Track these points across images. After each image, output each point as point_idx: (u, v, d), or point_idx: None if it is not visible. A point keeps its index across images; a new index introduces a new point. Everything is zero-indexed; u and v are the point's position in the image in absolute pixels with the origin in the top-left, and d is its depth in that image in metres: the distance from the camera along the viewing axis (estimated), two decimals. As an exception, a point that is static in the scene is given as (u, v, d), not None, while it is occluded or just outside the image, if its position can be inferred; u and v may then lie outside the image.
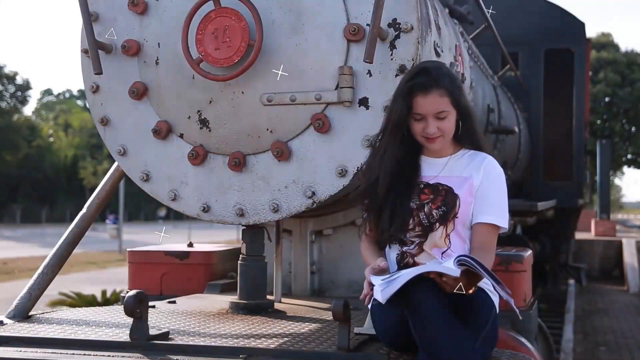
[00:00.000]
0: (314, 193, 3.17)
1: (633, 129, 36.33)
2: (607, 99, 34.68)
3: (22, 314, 3.23)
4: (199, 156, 3.33)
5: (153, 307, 3.32)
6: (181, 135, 3.38)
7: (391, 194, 2.52)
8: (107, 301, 8.33)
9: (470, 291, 2.32)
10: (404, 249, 2.53)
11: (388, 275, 2.33)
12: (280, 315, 3.31)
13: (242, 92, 3.21)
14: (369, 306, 2.63)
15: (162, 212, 49.88)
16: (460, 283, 2.26)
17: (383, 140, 2.58)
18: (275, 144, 3.20)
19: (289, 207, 3.22)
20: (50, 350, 2.64)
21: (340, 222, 3.88)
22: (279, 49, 3.15)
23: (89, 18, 3.30)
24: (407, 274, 2.25)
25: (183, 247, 4.51)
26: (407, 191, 2.53)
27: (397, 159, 2.54)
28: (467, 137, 2.61)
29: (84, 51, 3.46)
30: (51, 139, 56.41)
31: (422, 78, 2.48)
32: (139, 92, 3.38)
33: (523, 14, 9.07)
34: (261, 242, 3.46)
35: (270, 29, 3.13)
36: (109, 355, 2.57)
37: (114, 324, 3.03)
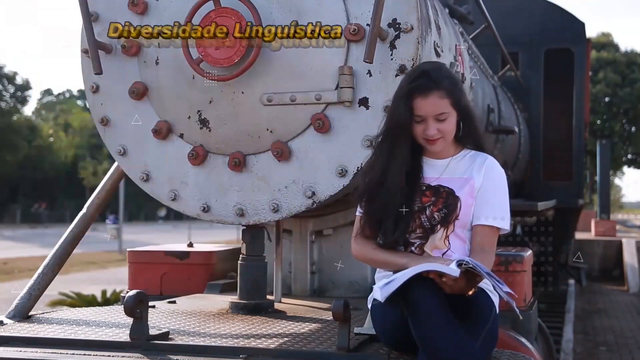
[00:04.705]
0: (314, 193, 3.17)
1: (633, 129, 36.33)
2: (607, 99, 34.67)
3: (22, 314, 3.23)
4: (199, 156, 3.33)
5: (153, 307, 3.32)
6: (181, 135, 3.38)
7: (394, 197, 2.51)
8: (107, 301, 8.32)
9: (470, 292, 2.32)
10: (407, 249, 2.53)
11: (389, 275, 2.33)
12: (280, 315, 3.31)
13: (242, 92, 3.21)
14: (369, 306, 2.63)
15: (162, 212, 49.83)
16: (460, 284, 2.26)
17: (387, 143, 2.55)
18: (275, 144, 3.20)
19: (289, 207, 3.22)
20: (50, 350, 2.64)
21: (340, 222, 3.88)
22: (279, 49, 3.14)
23: (89, 18, 3.30)
24: (407, 273, 2.25)
25: (183, 247, 4.51)
26: (410, 194, 2.52)
27: (406, 162, 2.52)
28: (468, 137, 2.61)
29: (84, 51, 3.46)
30: (51, 139, 56.37)
31: (422, 80, 2.47)
32: (139, 92, 3.38)
33: (523, 14, 9.07)
34: (261, 242, 3.46)
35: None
36: (109, 355, 2.57)
37: (114, 324, 3.03)
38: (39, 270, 3.43)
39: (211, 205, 3.35)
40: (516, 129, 6.83)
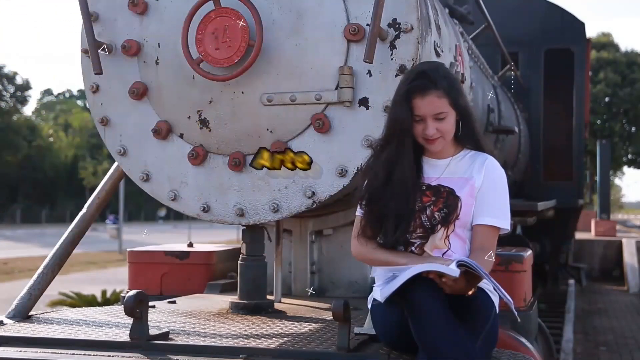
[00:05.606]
0: (314, 193, 3.17)
1: (633, 129, 36.35)
2: (607, 99, 34.69)
3: (22, 314, 3.23)
4: (199, 156, 3.33)
5: (153, 307, 3.32)
6: (181, 135, 3.38)
7: (395, 197, 2.50)
8: (107, 301, 8.32)
9: (470, 292, 2.32)
10: (407, 249, 2.52)
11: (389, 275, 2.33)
12: (280, 315, 3.31)
13: (242, 92, 3.21)
14: (369, 306, 2.63)
15: (162, 212, 49.84)
16: (460, 284, 2.26)
17: (392, 145, 2.52)
18: (275, 144, 3.20)
19: (289, 207, 3.22)
20: (50, 350, 2.64)
21: (340, 222, 3.88)
22: (279, 49, 3.15)
23: (89, 18, 3.31)
24: (407, 273, 2.25)
25: (183, 247, 4.51)
26: (410, 194, 2.52)
27: (411, 163, 2.52)
28: (467, 137, 2.61)
29: (84, 51, 3.46)
30: (51, 139, 56.37)
31: (420, 81, 2.48)
32: (139, 92, 3.38)
33: (523, 14, 9.07)
34: (261, 242, 3.46)
35: (271, 29, 3.13)
36: (109, 355, 2.57)
37: (114, 324, 3.03)
38: (39, 270, 3.43)
39: (211, 205, 3.35)
40: (516, 129, 6.83)
